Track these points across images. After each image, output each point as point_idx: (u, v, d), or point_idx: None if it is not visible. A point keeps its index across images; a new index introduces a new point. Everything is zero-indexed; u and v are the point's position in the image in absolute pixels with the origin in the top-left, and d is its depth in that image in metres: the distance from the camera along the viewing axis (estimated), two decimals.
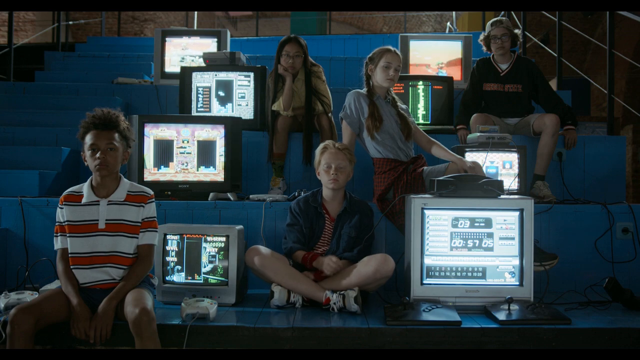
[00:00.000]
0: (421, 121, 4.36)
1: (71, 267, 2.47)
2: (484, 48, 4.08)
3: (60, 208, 2.51)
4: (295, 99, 3.95)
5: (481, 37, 4.07)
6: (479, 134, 3.50)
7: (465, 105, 4.03)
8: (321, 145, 3.08)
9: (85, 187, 2.53)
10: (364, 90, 3.40)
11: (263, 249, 2.85)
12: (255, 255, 2.79)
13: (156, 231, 2.59)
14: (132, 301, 2.32)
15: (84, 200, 2.50)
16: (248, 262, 2.82)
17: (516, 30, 4.01)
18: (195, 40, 5.32)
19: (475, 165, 3.12)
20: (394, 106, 3.41)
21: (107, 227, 2.48)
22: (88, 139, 2.47)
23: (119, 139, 2.51)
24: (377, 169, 3.34)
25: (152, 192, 2.60)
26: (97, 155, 2.44)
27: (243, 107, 4.17)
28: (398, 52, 3.38)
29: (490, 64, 4.03)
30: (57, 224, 2.53)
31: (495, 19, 4.03)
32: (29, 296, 2.57)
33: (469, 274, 2.73)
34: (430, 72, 4.96)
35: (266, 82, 4.06)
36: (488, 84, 4.00)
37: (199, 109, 4.18)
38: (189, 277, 2.81)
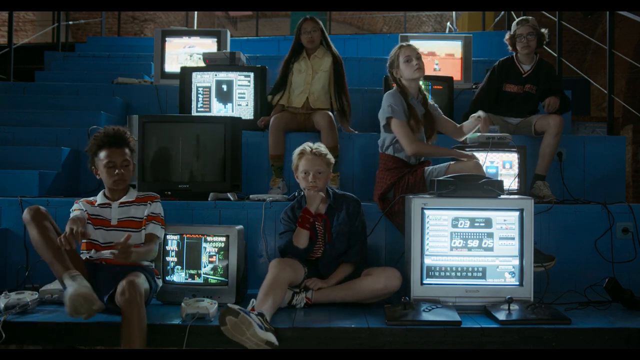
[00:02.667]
0: None
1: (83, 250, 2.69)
2: (509, 47, 3.98)
3: (77, 203, 2.74)
4: (299, 79, 4.03)
5: (507, 36, 3.97)
6: (479, 133, 3.50)
7: (477, 103, 3.92)
8: (298, 149, 3.00)
9: (98, 196, 2.80)
10: (397, 90, 3.30)
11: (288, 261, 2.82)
12: (275, 261, 2.77)
13: (161, 226, 2.76)
14: (124, 278, 2.43)
15: (97, 204, 2.76)
16: None
17: (543, 30, 3.92)
18: (195, 40, 5.32)
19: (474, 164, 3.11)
20: (424, 105, 3.35)
21: (119, 223, 2.71)
22: (103, 156, 2.71)
23: (130, 153, 2.76)
24: (382, 164, 3.30)
25: (157, 195, 2.85)
26: (116, 172, 2.69)
27: (243, 107, 4.17)
28: (410, 43, 3.34)
29: (512, 64, 3.96)
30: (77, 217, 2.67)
31: (522, 17, 3.94)
32: (29, 296, 2.57)
33: (469, 274, 2.73)
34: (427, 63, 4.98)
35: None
36: (509, 85, 3.94)
37: (199, 109, 4.18)
38: (189, 277, 2.81)
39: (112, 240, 2.63)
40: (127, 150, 2.74)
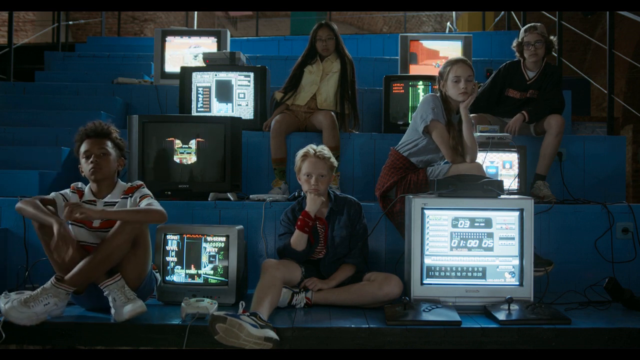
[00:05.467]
0: None
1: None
2: (517, 54, 3.89)
3: (73, 192, 2.70)
4: (309, 79, 4.05)
5: (514, 43, 3.88)
6: (478, 133, 3.49)
7: (478, 104, 3.84)
8: (302, 151, 2.99)
9: (86, 189, 2.71)
10: (439, 97, 3.17)
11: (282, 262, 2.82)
12: (268, 261, 2.78)
13: (154, 200, 2.65)
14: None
15: (83, 199, 2.67)
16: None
17: (551, 37, 3.84)
18: (195, 40, 5.32)
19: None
20: (459, 125, 3.16)
21: (102, 225, 2.61)
22: (82, 148, 2.65)
23: (112, 146, 2.68)
24: (390, 161, 3.25)
25: (140, 182, 2.76)
26: (91, 160, 2.60)
27: (243, 107, 4.17)
28: (467, 61, 3.15)
29: (518, 70, 3.88)
30: (61, 193, 2.67)
31: (530, 24, 3.83)
32: None
33: (469, 274, 2.73)
34: (430, 65, 4.97)
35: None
36: (511, 91, 3.88)
37: (199, 109, 4.18)
38: (189, 278, 2.81)
39: (94, 241, 2.59)
40: (107, 142, 2.67)
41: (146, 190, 2.70)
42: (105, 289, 2.48)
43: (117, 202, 2.66)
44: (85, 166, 2.64)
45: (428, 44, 5.05)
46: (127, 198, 2.67)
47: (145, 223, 2.58)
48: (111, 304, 2.46)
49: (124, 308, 2.41)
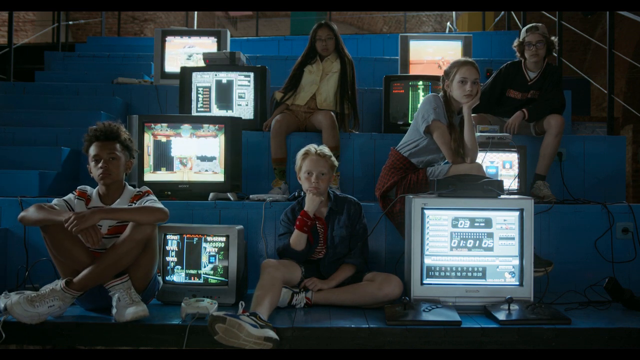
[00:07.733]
0: None
1: None
2: (518, 54, 3.87)
3: (78, 198, 2.67)
4: (309, 79, 4.05)
5: (515, 42, 3.86)
6: (479, 133, 3.49)
7: (479, 104, 3.91)
8: (303, 150, 2.99)
9: (94, 193, 2.70)
10: (441, 97, 3.18)
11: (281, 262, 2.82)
12: (268, 261, 2.77)
13: (156, 203, 2.62)
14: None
15: (90, 205, 2.65)
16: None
17: (553, 38, 3.83)
18: (195, 40, 5.32)
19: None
20: (460, 126, 3.17)
21: (109, 231, 2.63)
22: (91, 151, 2.65)
23: (121, 149, 2.68)
24: (390, 161, 3.26)
25: (146, 189, 2.74)
26: (100, 165, 2.60)
27: (243, 107, 4.17)
28: (475, 63, 3.14)
29: (519, 70, 3.87)
30: (64, 199, 2.65)
31: (532, 24, 3.81)
32: None
33: (469, 274, 2.73)
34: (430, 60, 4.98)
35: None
36: (512, 91, 3.87)
37: (199, 109, 4.18)
38: (189, 277, 2.81)
39: (102, 247, 2.56)
40: (117, 145, 2.66)
41: (152, 197, 2.68)
42: (111, 288, 2.48)
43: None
44: (95, 170, 2.65)
45: (428, 44, 5.05)
46: (132, 205, 2.65)
47: (148, 223, 2.51)
48: (114, 304, 2.45)
49: (127, 309, 2.40)
